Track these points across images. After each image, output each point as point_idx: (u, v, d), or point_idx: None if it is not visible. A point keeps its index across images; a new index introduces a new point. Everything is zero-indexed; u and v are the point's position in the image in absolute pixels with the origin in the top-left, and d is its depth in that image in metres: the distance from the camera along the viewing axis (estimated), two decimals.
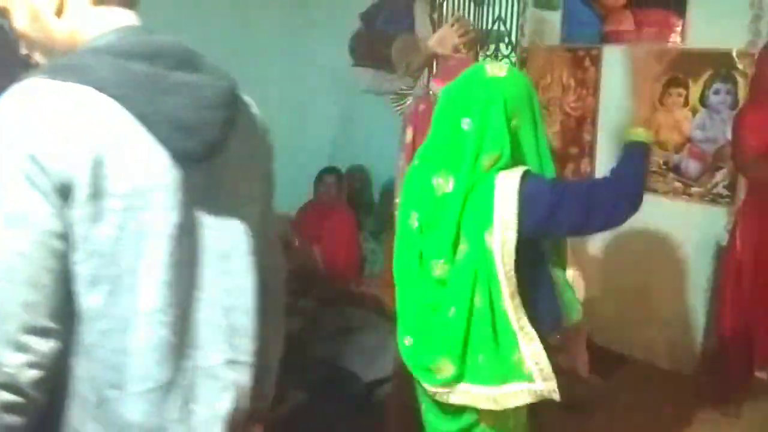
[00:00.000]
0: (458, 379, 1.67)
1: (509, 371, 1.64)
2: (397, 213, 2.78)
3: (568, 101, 3.90)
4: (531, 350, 1.62)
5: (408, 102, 2.74)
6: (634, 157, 1.69)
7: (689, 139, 3.49)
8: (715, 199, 3.43)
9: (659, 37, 3.54)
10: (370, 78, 4.59)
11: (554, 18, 3.90)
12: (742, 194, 3.30)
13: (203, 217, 1.06)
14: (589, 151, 3.86)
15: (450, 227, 1.64)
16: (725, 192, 3.38)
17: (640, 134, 1.71)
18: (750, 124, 2.93)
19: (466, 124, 1.63)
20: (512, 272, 1.59)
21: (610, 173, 1.69)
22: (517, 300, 1.61)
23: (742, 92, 3.27)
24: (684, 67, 3.46)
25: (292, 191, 4.76)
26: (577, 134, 3.90)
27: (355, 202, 4.58)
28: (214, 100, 1.03)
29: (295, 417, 3.00)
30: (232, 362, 1.10)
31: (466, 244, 1.63)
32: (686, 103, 3.48)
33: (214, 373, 1.08)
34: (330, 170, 4.48)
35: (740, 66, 3.27)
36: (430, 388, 1.72)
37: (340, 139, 5.06)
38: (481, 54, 4.35)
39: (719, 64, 3.34)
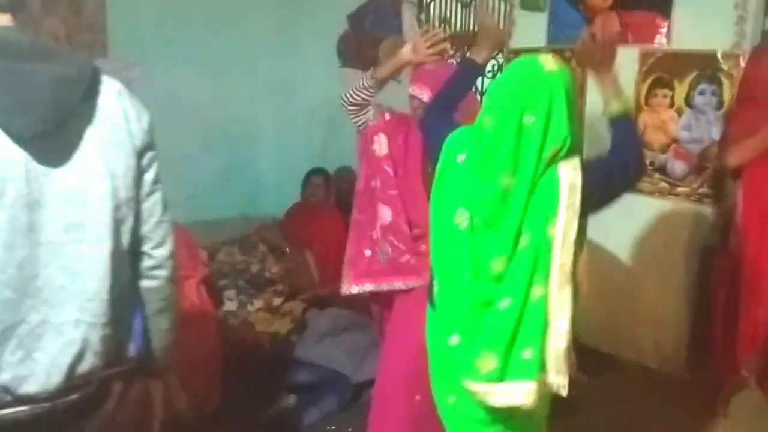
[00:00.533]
0: (502, 374, 1.68)
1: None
2: (353, 224, 2.63)
3: None
4: (556, 345, 1.68)
5: (369, 112, 2.60)
6: (626, 129, 1.82)
7: (675, 140, 3.52)
8: (700, 199, 3.45)
9: (645, 38, 3.56)
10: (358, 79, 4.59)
11: (541, 19, 3.92)
12: (729, 194, 3.33)
13: (51, 190, 1.22)
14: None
15: (515, 223, 1.67)
16: (711, 192, 3.40)
17: (619, 105, 1.83)
18: (738, 124, 2.95)
19: (529, 120, 1.65)
20: (569, 264, 1.66)
21: (612, 149, 1.80)
22: (566, 292, 1.67)
23: (727, 93, 3.30)
24: (669, 68, 3.49)
25: (280, 193, 4.76)
26: None
27: (344, 204, 4.57)
28: (44, 85, 1.19)
29: (284, 418, 3.00)
30: (79, 321, 1.27)
31: (528, 237, 1.66)
32: (672, 104, 3.51)
33: (61, 330, 1.26)
34: (317, 171, 4.46)
35: (725, 67, 3.30)
36: (473, 386, 1.72)
37: (328, 141, 5.05)
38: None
39: (704, 65, 3.36)
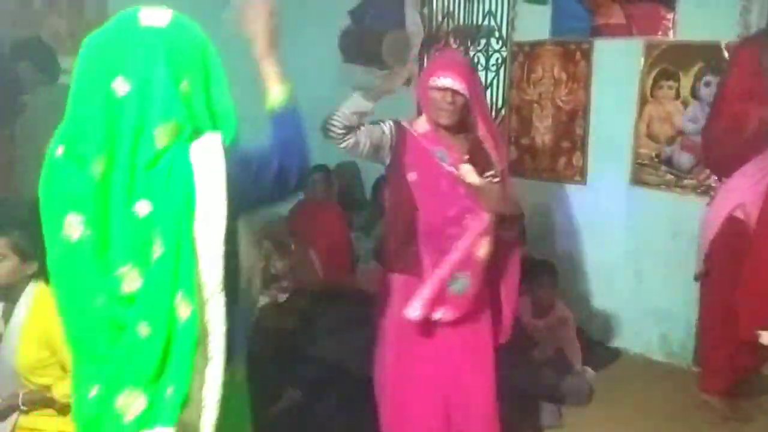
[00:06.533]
0: (154, 415, 1.29)
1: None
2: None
3: (559, 95, 3.90)
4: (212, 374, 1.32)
5: (360, 132, 2.37)
6: (292, 124, 1.55)
7: (681, 132, 3.50)
8: (707, 191, 3.42)
9: (649, 30, 3.54)
10: (360, 75, 4.56)
11: (544, 11, 3.90)
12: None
13: None
14: (580, 144, 3.86)
15: (130, 224, 1.28)
16: (717, 184, 3.38)
17: (284, 94, 1.61)
18: (724, 123, 2.93)
19: (120, 87, 1.28)
20: (220, 272, 1.29)
21: (273, 147, 1.51)
22: (216, 306, 1.29)
23: None
24: (674, 60, 3.47)
25: None
26: (568, 128, 3.90)
27: (345, 199, 4.55)
28: None
29: (291, 415, 2.99)
30: None
31: (161, 243, 1.27)
32: (677, 96, 3.48)
33: None
34: (318, 168, 4.42)
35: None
36: None
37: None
38: (471, 49, 4.35)
39: (709, 56, 3.34)
